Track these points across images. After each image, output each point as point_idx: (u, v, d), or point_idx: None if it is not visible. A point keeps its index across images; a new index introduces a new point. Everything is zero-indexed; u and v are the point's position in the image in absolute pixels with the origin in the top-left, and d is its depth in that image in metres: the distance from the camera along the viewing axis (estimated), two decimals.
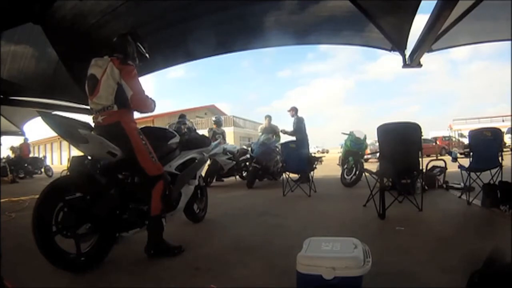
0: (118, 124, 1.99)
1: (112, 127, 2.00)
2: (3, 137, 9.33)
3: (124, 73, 2.00)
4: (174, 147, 2.49)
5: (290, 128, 6.52)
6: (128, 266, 1.96)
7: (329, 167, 9.73)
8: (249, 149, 6.93)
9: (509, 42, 4.15)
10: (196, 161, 2.69)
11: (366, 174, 3.67)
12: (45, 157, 14.67)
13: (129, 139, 1.99)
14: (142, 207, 2.13)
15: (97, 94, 2.03)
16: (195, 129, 2.90)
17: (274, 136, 6.71)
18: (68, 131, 1.93)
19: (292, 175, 5.02)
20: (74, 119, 2.04)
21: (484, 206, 3.19)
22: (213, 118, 7.68)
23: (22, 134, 8.71)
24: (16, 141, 12.45)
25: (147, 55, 2.31)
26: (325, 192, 4.95)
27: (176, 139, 2.53)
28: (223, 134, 7.23)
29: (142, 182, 2.11)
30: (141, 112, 2.14)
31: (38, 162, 12.94)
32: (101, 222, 1.91)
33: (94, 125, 2.08)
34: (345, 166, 5.79)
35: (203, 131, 3.78)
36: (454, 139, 20.77)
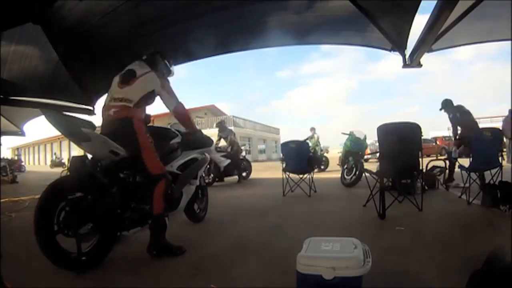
0: (129, 120, 2.02)
1: (122, 122, 2.03)
2: (3, 137, 9.33)
3: (166, 85, 2.23)
4: (176, 147, 2.51)
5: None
6: (128, 266, 1.96)
7: (329, 167, 9.73)
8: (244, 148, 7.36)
9: (509, 42, 4.15)
10: (198, 161, 2.70)
11: (366, 174, 3.67)
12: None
13: (137, 137, 2.02)
14: (144, 206, 2.13)
15: (129, 85, 2.11)
16: None
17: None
18: (71, 129, 1.94)
19: (292, 175, 5.01)
20: (77, 118, 2.05)
21: (484, 206, 3.20)
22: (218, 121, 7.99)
23: (22, 134, 8.68)
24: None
25: (172, 71, 2.48)
26: (325, 192, 4.95)
27: (178, 139, 2.54)
28: (229, 136, 7.33)
29: (144, 181, 2.11)
30: (186, 124, 2.40)
31: None
32: (103, 222, 1.91)
33: (103, 118, 2.11)
34: (345, 166, 5.79)
35: (205, 131, 3.76)
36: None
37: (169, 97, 2.22)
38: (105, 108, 2.14)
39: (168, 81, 2.31)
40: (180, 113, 2.30)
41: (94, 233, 1.91)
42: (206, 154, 2.87)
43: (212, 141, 3.04)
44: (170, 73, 2.45)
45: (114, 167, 2.05)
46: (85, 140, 1.92)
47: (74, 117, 2.09)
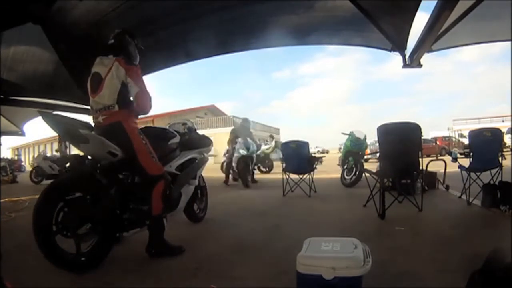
0: (119, 124, 1.99)
1: (112, 127, 1.99)
2: (3, 137, 9.34)
3: (130, 72, 2.03)
4: (175, 147, 2.49)
5: None
6: (128, 266, 1.96)
7: (329, 168, 9.73)
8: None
9: (510, 42, 4.15)
10: (196, 161, 2.69)
11: (366, 174, 3.67)
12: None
13: (129, 139, 1.99)
14: (142, 207, 2.12)
15: (99, 92, 2.04)
16: (195, 129, 2.90)
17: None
18: (69, 131, 1.94)
19: (291, 175, 5.01)
20: (74, 119, 2.04)
21: (484, 206, 3.19)
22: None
23: (22, 134, 8.69)
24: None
25: (142, 48, 2.31)
26: (325, 192, 4.95)
27: (176, 139, 2.53)
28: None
29: (143, 182, 2.10)
30: (142, 110, 2.11)
31: None
32: (101, 222, 1.91)
33: (94, 125, 2.08)
34: (345, 166, 5.78)
35: (206, 131, 3.80)
36: (454, 139, 20.79)
37: (133, 84, 2.03)
38: (94, 116, 2.10)
39: (139, 66, 2.15)
40: (138, 98, 2.05)
41: (93, 233, 1.90)
42: (205, 154, 2.86)
43: (211, 141, 3.02)
44: (140, 52, 2.29)
45: (113, 167, 2.04)
46: (83, 142, 1.91)
47: (72, 118, 2.07)
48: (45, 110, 5.04)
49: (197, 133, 2.91)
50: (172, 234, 2.32)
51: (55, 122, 1.91)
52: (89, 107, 2.22)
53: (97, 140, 1.93)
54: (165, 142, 2.42)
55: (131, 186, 2.14)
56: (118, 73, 2.00)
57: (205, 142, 2.86)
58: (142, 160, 2.02)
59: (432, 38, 3.34)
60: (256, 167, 8.10)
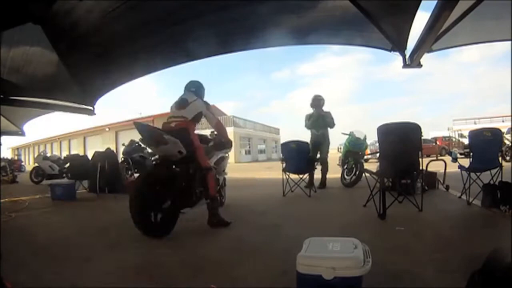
0: (186, 130, 2.79)
1: (181, 131, 2.74)
2: (3, 137, 9.33)
3: (210, 108, 3.12)
4: (212, 148, 3.31)
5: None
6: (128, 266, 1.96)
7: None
8: None
9: (510, 42, 4.14)
10: (225, 158, 3.59)
11: (366, 174, 3.67)
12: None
13: (192, 141, 2.78)
14: (199, 189, 2.87)
15: (183, 109, 2.94)
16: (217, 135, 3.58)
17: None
18: (155, 136, 2.60)
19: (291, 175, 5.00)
20: (157, 128, 2.82)
21: (484, 206, 3.19)
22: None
23: (22, 134, 8.68)
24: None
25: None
26: (325, 192, 4.95)
27: (212, 142, 3.37)
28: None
29: (198, 172, 2.85)
30: (223, 137, 3.25)
31: None
32: (175, 200, 2.57)
33: (164, 128, 2.83)
34: (345, 166, 5.78)
35: (206, 131, 3.95)
36: (454, 139, 20.79)
37: (212, 116, 3.12)
38: (168, 121, 2.96)
39: (209, 104, 3.15)
40: (218, 127, 3.24)
41: (168, 209, 2.53)
42: (228, 153, 3.74)
43: (232, 143, 3.55)
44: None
45: (178, 162, 2.73)
46: (163, 144, 2.55)
47: (156, 127, 2.87)
48: (55, 111, 5.02)
49: (222, 137, 3.54)
50: (172, 234, 2.32)
51: (145, 130, 2.67)
52: (89, 107, 2.30)
53: (173, 142, 2.56)
54: (207, 145, 3.25)
55: (193, 175, 2.85)
56: (200, 105, 2.99)
57: (229, 145, 3.49)
58: (199, 156, 2.82)
59: (432, 38, 3.33)
60: None
